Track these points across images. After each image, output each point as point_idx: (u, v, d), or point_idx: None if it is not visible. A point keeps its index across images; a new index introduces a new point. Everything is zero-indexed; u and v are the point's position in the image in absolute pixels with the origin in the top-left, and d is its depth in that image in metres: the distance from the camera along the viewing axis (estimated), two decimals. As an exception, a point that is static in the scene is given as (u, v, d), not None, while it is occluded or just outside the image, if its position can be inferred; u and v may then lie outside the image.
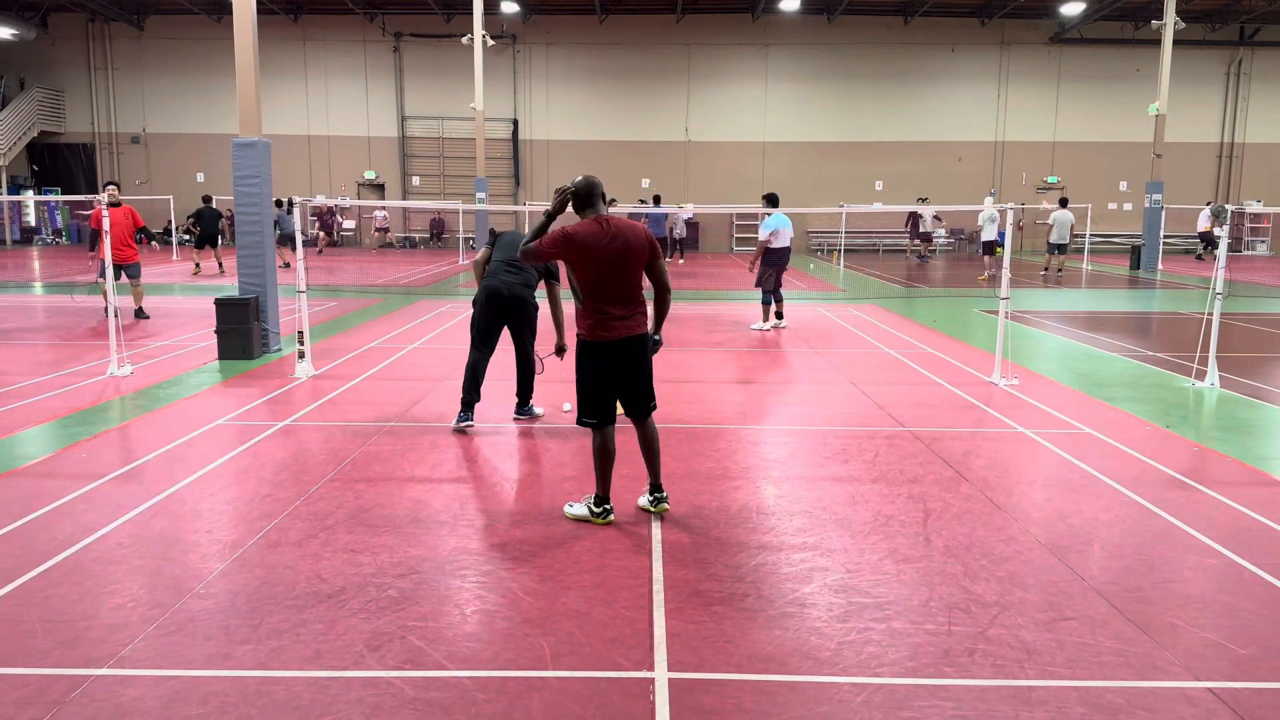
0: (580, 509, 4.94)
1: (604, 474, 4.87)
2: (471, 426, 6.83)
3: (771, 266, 11.79)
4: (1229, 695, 3.25)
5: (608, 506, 4.89)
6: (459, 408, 6.88)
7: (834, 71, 30.44)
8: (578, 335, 4.81)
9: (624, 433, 5.38)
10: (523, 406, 7.18)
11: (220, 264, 20.46)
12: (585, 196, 4.74)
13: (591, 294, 4.69)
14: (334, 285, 17.82)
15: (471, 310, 6.86)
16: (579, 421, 4.84)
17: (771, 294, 11.97)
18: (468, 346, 6.99)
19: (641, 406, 4.89)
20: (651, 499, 5.02)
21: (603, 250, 4.61)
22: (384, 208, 30.49)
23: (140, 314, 12.67)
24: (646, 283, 4.86)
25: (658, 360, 9.76)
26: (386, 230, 30.84)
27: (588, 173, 4.87)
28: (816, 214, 30.28)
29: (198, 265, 20.39)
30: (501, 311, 6.76)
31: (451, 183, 30.90)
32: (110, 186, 11.91)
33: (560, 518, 4.98)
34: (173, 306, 14.22)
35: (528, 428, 6.98)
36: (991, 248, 19.89)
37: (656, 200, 23.02)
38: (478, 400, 6.90)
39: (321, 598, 3.96)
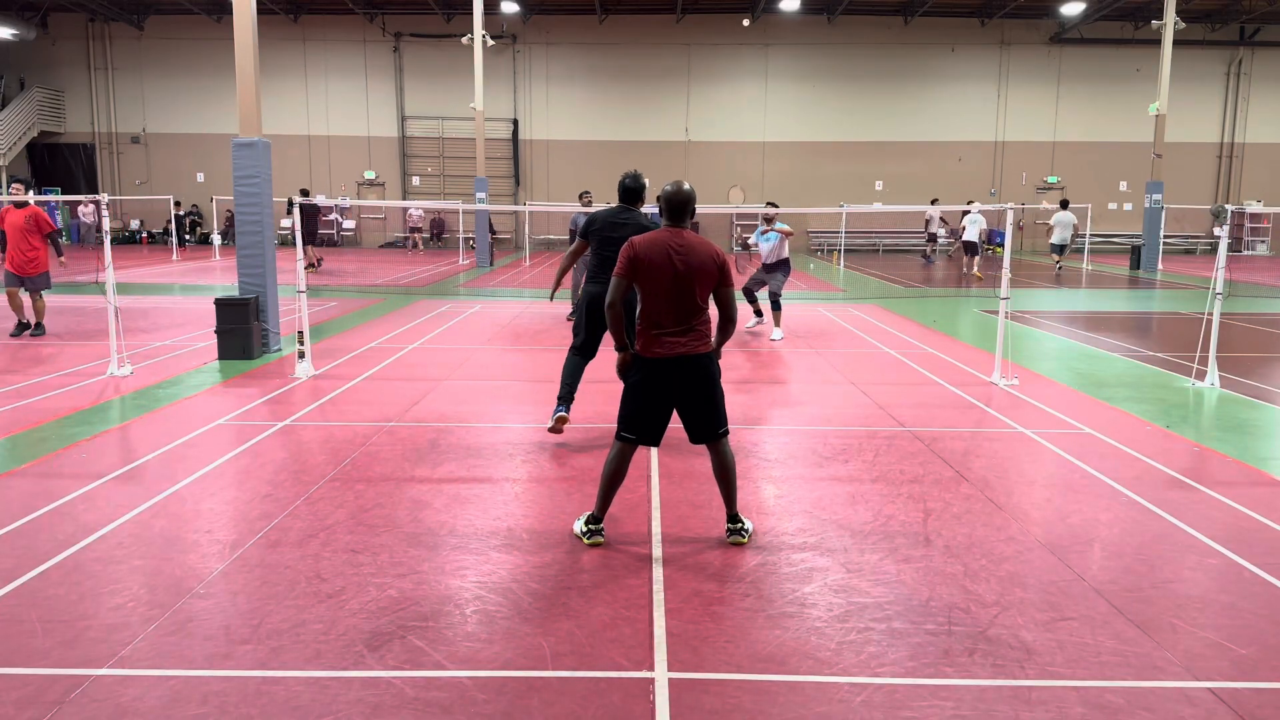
0: (579, 525, 4.71)
1: (606, 491, 4.62)
2: (565, 420, 6.49)
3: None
4: (1229, 695, 3.25)
5: (599, 527, 4.62)
6: (555, 404, 6.57)
7: (834, 71, 30.44)
8: (635, 348, 4.56)
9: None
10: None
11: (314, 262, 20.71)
12: (677, 209, 4.47)
13: (648, 307, 4.44)
14: (334, 285, 17.83)
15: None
16: (617, 435, 4.61)
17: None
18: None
19: (707, 430, 4.59)
20: (727, 529, 4.69)
21: (667, 264, 4.35)
22: (421, 208, 30.31)
23: (37, 329, 11.03)
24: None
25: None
26: (420, 230, 30.43)
27: (679, 181, 4.56)
28: (816, 214, 30.27)
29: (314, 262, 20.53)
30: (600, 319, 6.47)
31: (451, 183, 30.90)
32: (16, 184, 10.57)
33: (558, 515, 4.98)
34: (173, 306, 14.22)
35: (529, 429, 6.97)
36: (974, 248, 20.54)
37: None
38: (571, 401, 6.58)
39: (321, 598, 3.96)
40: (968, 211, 20.09)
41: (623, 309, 4.52)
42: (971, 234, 20.42)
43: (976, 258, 20.76)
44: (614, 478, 4.60)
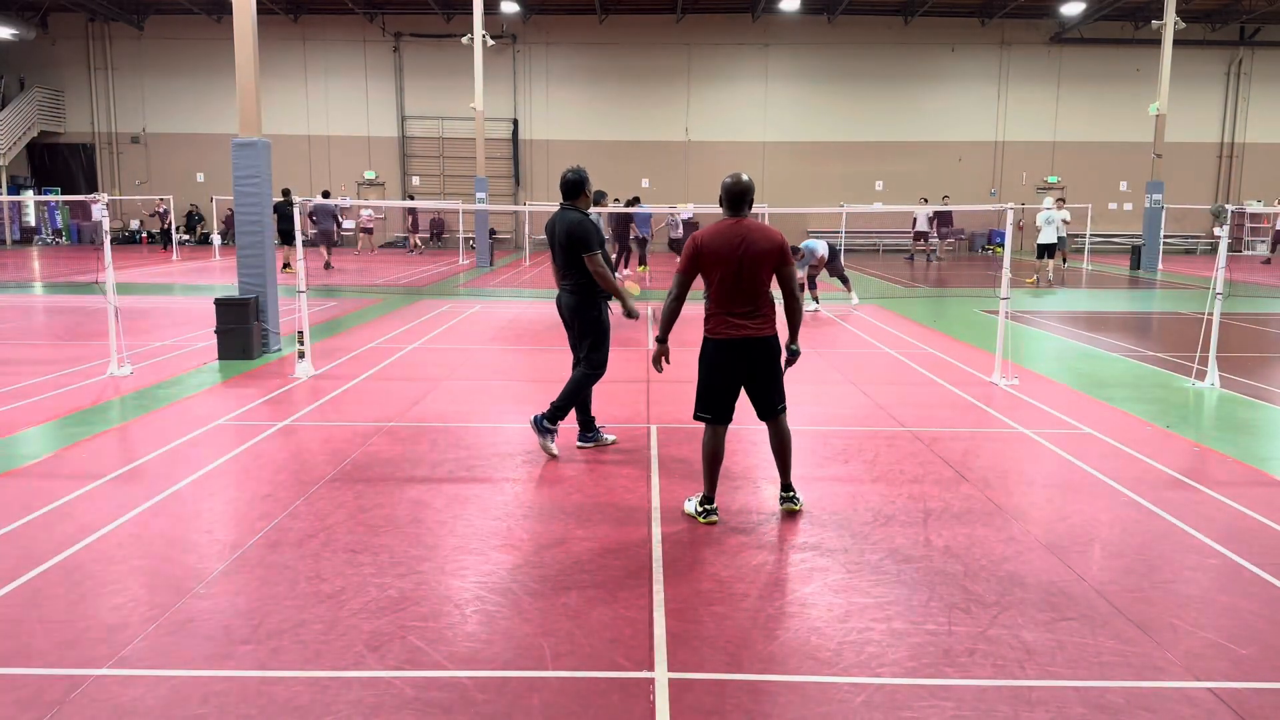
0: (690, 506, 5.00)
1: (710, 474, 4.93)
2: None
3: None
4: (1229, 695, 3.25)
5: (712, 507, 4.91)
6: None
7: (834, 71, 30.43)
8: (704, 333, 4.91)
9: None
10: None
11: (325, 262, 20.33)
12: (736, 199, 4.78)
13: (716, 293, 4.80)
14: (334, 285, 17.82)
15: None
16: (695, 416, 4.97)
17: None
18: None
19: (768, 406, 4.97)
20: (780, 497, 5.10)
21: (731, 251, 4.69)
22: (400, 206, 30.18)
23: None
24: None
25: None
26: (371, 231, 29.94)
27: (737, 173, 4.84)
28: (816, 214, 30.26)
29: (287, 264, 19.02)
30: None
31: (451, 183, 30.89)
32: None
33: (558, 515, 4.99)
34: (173, 306, 14.22)
35: (529, 428, 6.95)
36: (1051, 250, 18.86)
37: (634, 201, 22.22)
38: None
39: (321, 598, 3.95)
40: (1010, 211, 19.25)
41: (680, 305, 4.89)
42: (1049, 235, 18.71)
43: (1051, 261, 19.11)
44: (714, 458, 4.91)
